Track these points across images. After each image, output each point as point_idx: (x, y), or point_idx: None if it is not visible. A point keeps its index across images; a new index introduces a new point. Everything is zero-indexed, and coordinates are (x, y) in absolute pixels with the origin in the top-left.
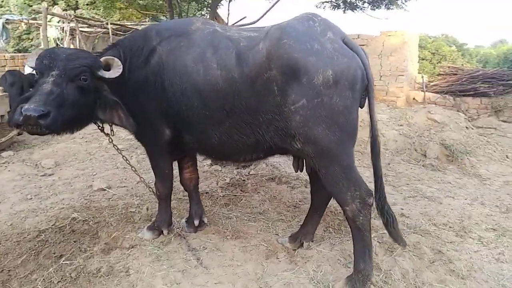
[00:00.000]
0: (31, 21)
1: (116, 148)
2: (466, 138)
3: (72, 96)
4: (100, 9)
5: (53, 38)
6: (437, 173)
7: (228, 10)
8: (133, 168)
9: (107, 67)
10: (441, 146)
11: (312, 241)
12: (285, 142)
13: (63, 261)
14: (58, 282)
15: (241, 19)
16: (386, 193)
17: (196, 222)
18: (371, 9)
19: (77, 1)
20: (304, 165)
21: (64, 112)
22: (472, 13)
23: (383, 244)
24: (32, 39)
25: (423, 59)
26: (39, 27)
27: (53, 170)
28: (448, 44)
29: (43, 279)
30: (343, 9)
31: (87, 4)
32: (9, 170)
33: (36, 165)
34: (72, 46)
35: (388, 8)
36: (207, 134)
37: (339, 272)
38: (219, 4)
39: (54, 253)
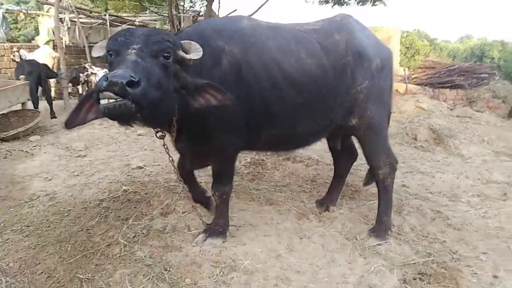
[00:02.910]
0: (30, 12)
1: (166, 147)
2: (449, 124)
3: (157, 74)
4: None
5: (51, 28)
6: (427, 153)
7: (219, 3)
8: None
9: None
10: (429, 130)
11: (335, 206)
12: (344, 120)
13: (131, 222)
14: (133, 237)
15: (231, 12)
16: None
17: None
18: (358, 5)
19: None
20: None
21: (151, 90)
22: (439, 9)
23: (392, 207)
24: (20, 29)
25: None
26: (35, 17)
27: (85, 152)
28: (420, 39)
29: (121, 235)
30: (332, 5)
31: None
32: (44, 152)
33: (67, 147)
34: (67, 37)
35: (374, 4)
36: (295, 123)
37: (361, 228)
38: None
39: (120, 217)
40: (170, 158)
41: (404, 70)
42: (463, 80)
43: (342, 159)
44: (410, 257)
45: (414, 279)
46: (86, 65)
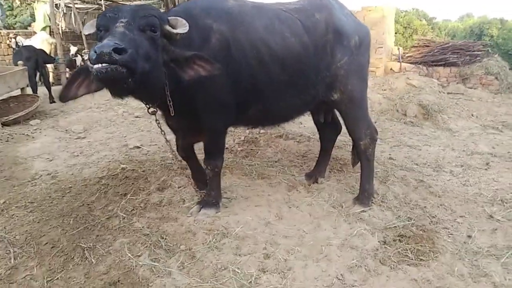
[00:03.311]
0: None
1: (158, 123)
2: (439, 99)
3: (145, 46)
4: None
5: (47, 14)
6: (416, 128)
7: None
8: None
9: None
10: (418, 106)
11: (323, 178)
12: (326, 95)
13: (129, 196)
14: (132, 210)
15: None
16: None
17: None
18: None
19: None
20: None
21: (140, 59)
22: None
23: (378, 178)
24: (16, 16)
25: (396, 33)
26: (31, 4)
27: (84, 134)
28: (419, 18)
29: (119, 209)
30: None
31: None
32: (45, 135)
33: (66, 130)
34: (63, 22)
35: None
36: (280, 98)
37: (347, 197)
38: None
39: (119, 192)
40: (163, 133)
41: (398, 49)
42: (457, 57)
43: (327, 132)
44: (392, 221)
45: (394, 240)
46: (71, 47)
